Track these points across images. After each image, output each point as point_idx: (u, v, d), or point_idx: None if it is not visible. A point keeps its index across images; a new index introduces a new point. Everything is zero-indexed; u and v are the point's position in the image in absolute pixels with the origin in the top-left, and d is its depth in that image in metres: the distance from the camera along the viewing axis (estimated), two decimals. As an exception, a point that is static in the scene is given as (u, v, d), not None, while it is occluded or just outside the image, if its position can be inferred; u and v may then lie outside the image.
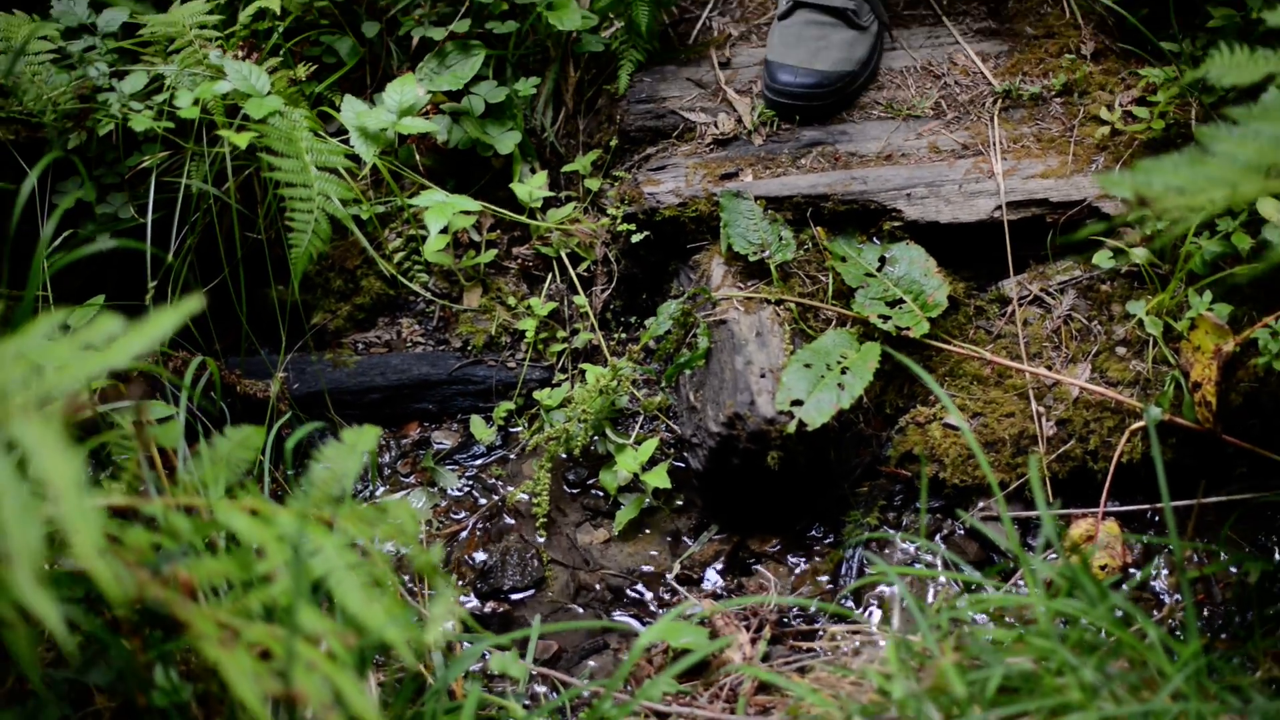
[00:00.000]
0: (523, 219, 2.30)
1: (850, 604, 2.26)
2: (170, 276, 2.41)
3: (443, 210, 2.21)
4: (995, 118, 2.61)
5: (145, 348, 1.22)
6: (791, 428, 2.25)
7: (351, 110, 2.25)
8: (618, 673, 1.63)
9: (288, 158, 2.08)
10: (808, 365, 2.31)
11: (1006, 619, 1.78)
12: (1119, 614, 1.72)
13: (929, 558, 2.27)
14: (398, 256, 2.63)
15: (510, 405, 2.58)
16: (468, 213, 2.44)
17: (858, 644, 2.08)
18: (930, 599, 2.19)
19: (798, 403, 2.27)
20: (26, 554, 1.11)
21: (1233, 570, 2.15)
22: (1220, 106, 2.42)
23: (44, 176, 2.27)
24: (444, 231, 2.55)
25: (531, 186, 2.24)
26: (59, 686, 1.64)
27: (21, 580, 1.10)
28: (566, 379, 2.60)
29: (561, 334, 2.65)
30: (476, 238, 2.68)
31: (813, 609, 2.25)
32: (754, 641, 2.17)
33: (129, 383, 2.00)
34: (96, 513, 1.13)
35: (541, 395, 2.53)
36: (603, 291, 2.67)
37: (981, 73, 2.69)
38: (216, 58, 2.17)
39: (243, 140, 2.05)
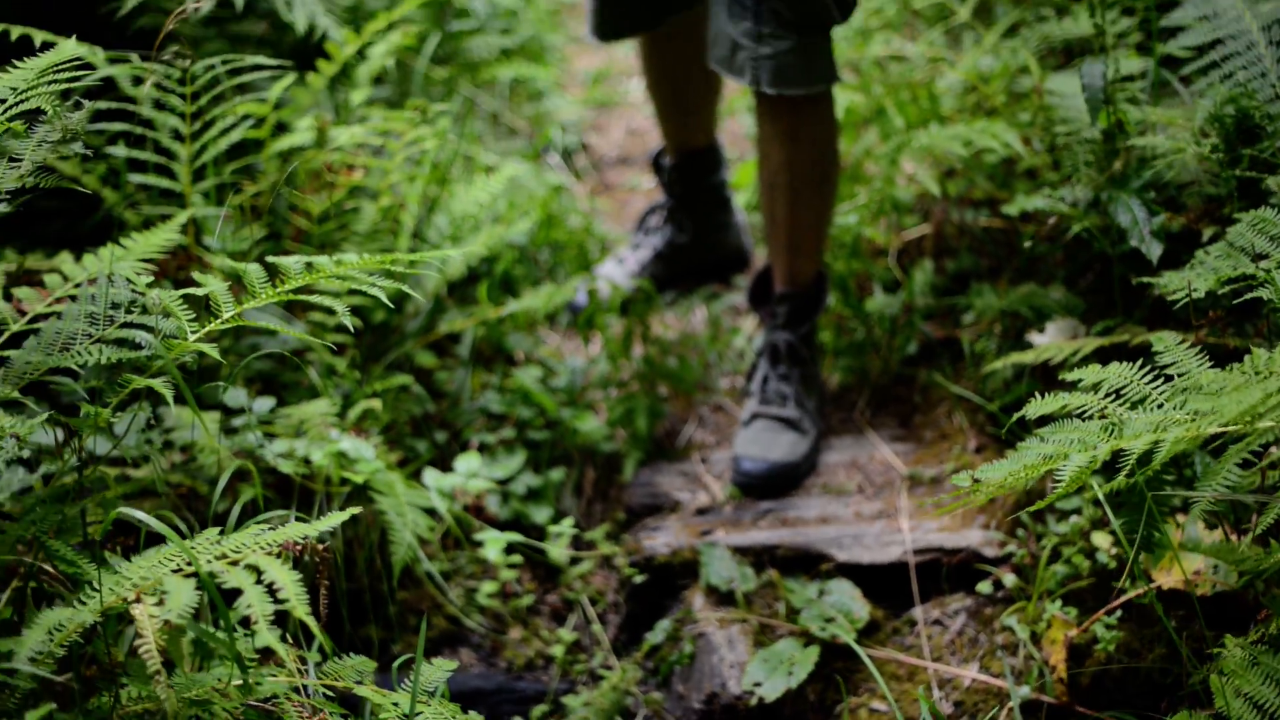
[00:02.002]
0: (552, 557, 3.16)
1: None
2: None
3: (497, 542, 3.09)
4: (903, 492, 3.50)
5: (309, 534, 2.13)
6: (754, 701, 3.04)
7: (431, 476, 3.17)
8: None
9: (387, 497, 2.98)
10: (765, 660, 3.12)
11: None
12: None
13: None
14: (460, 602, 3.48)
15: (544, 707, 3.35)
16: (510, 561, 3.31)
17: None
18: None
19: (758, 684, 3.07)
20: (263, 615, 1.96)
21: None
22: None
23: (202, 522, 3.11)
24: (494, 579, 3.43)
25: (563, 529, 3.11)
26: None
27: (263, 628, 1.95)
28: (586, 689, 3.38)
29: (583, 657, 3.45)
30: (519, 589, 3.54)
31: None
32: None
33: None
34: (305, 595, 1.98)
35: (567, 699, 3.31)
36: (614, 625, 3.50)
37: (893, 464, 3.62)
38: (335, 435, 3.10)
39: (359, 478, 2.94)
